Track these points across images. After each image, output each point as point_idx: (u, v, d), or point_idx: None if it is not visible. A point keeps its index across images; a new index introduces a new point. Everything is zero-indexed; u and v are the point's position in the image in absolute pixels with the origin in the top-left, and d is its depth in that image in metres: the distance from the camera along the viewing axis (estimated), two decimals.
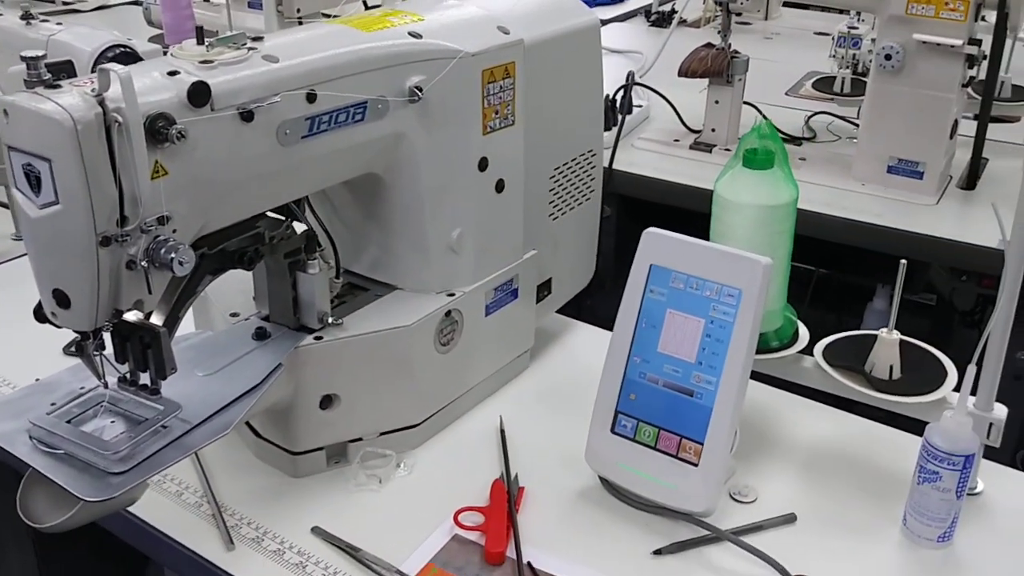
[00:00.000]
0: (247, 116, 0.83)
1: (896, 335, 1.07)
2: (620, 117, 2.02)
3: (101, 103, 0.73)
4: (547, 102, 1.14)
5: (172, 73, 0.80)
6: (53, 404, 0.87)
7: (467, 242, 1.09)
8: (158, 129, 0.76)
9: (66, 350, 1.23)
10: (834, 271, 2.20)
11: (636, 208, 2.07)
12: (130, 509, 1.00)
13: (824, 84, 2.23)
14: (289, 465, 1.05)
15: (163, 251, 0.78)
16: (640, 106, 2.17)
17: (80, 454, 0.82)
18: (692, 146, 2.01)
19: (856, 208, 1.78)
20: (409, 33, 0.99)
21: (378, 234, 1.08)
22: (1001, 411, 1.01)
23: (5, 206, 1.61)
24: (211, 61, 0.83)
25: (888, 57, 1.74)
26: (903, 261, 1.05)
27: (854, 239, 1.78)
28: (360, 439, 1.06)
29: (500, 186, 1.10)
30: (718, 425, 0.96)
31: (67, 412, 0.87)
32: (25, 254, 1.50)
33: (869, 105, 1.83)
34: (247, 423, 1.07)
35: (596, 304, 1.49)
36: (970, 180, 1.88)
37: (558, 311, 1.36)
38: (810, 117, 2.16)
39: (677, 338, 0.98)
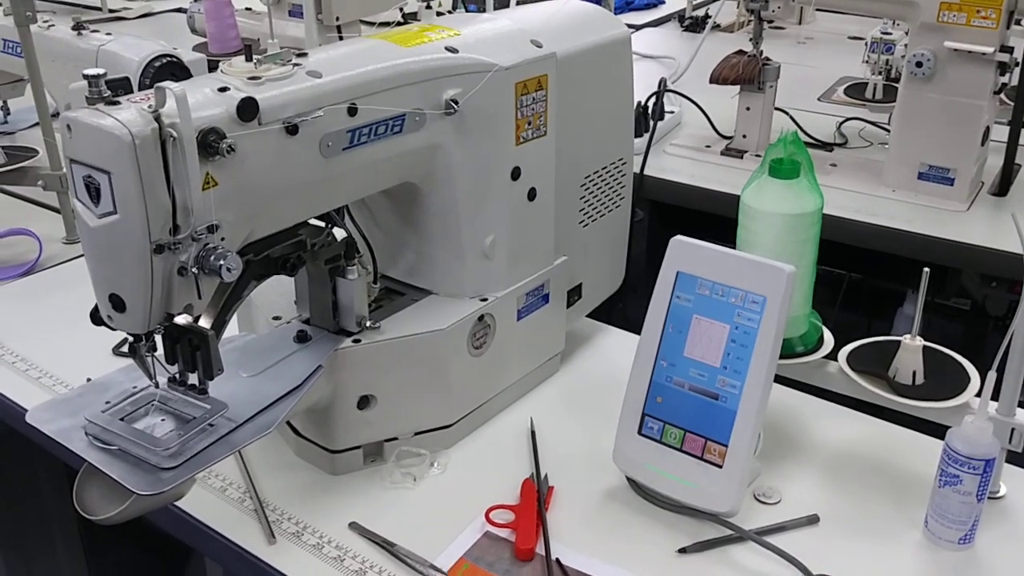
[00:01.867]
0: (292, 130, 0.88)
1: (919, 341, 1.09)
2: (652, 123, 2.05)
3: (157, 119, 0.78)
4: (578, 113, 1.18)
5: (222, 89, 0.85)
6: (107, 403, 0.92)
7: (500, 248, 1.13)
8: (210, 143, 0.80)
9: (115, 350, 1.28)
10: (865, 276, 2.21)
11: (668, 213, 2.10)
12: (178, 504, 1.04)
13: (856, 90, 2.24)
14: (328, 463, 1.09)
15: (212, 258, 0.83)
16: (672, 112, 2.20)
17: (133, 450, 0.87)
18: (723, 152, 2.03)
19: (886, 214, 1.79)
20: (446, 48, 1.03)
21: (415, 240, 1.12)
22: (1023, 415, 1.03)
23: (56, 211, 1.68)
24: (259, 77, 0.87)
25: (919, 64, 1.75)
26: (926, 269, 1.07)
27: (884, 245, 1.79)
28: (396, 438, 1.10)
29: (532, 194, 1.14)
30: (742, 428, 0.99)
31: (120, 410, 0.92)
32: (76, 257, 1.57)
33: (900, 112, 1.84)
34: (288, 422, 1.11)
35: (627, 308, 1.53)
36: (1002, 186, 1.88)
37: (589, 315, 1.39)
38: (842, 123, 2.17)
39: (703, 343, 1.01)
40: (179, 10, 3.18)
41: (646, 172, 1.98)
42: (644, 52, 2.77)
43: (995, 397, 1.03)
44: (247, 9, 2.53)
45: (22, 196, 1.78)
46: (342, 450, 1.08)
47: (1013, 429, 1.03)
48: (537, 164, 1.13)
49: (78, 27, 1.84)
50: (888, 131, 2.04)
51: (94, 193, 0.80)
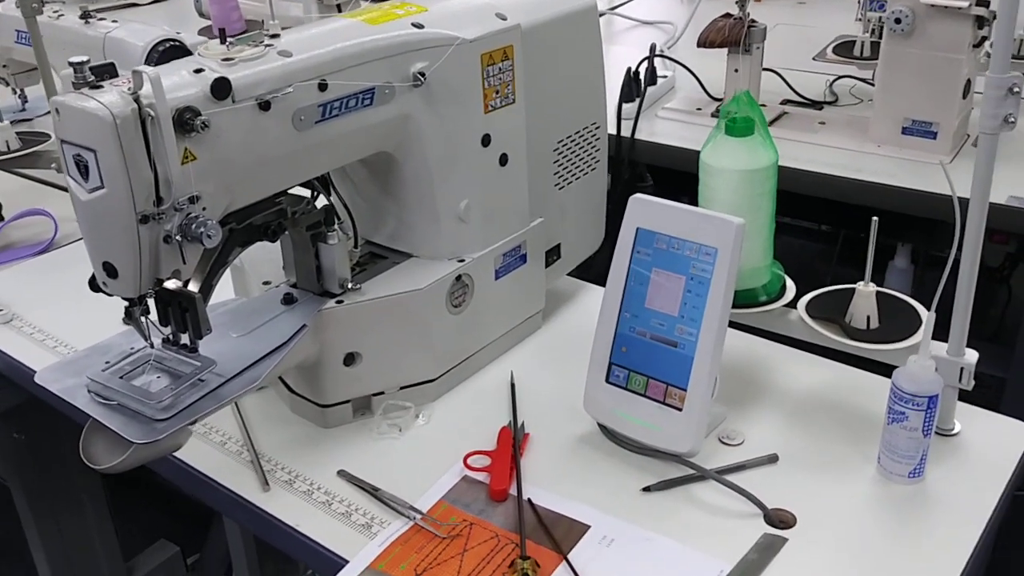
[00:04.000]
0: (264, 106, 0.95)
1: (872, 287, 1.15)
2: (643, 88, 2.10)
3: (136, 100, 0.85)
4: (547, 80, 1.24)
5: (198, 71, 0.92)
6: (107, 362, 1.00)
7: (474, 212, 1.20)
8: (185, 120, 0.88)
9: (125, 321, 1.37)
10: (859, 231, 2.25)
11: (667, 176, 2.15)
12: (181, 457, 1.13)
13: (845, 48, 2.27)
14: (319, 417, 1.17)
15: (194, 227, 0.91)
16: (665, 77, 2.24)
17: (130, 404, 0.95)
18: (713, 114, 2.07)
19: (872, 170, 1.83)
20: (412, 24, 1.09)
21: (394, 207, 1.19)
22: (972, 356, 1.09)
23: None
24: (232, 58, 0.94)
25: (898, 21, 1.78)
26: (875, 218, 1.12)
27: (870, 200, 1.83)
28: (382, 392, 1.18)
29: (504, 160, 1.20)
30: (699, 372, 1.05)
31: (119, 369, 1.00)
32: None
33: (883, 68, 1.88)
34: (282, 380, 1.19)
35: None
36: None
37: (573, 274, 1.46)
38: (833, 81, 2.20)
39: (662, 294, 1.08)
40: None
41: (638, 136, 2.03)
42: (642, 18, 2.81)
43: (945, 338, 1.09)
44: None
45: (38, 179, 1.86)
46: (332, 404, 1.16)
47: (962, 368, 1.09)
48: (507, 131, 1.20)
49: (85, 16, 1.92)
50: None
51: (83, 170, 0.88)
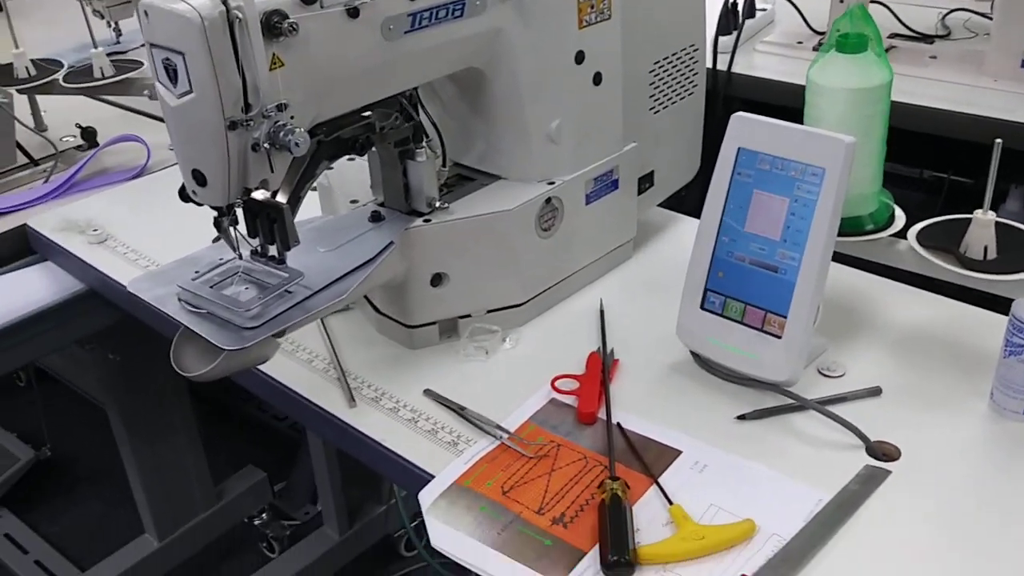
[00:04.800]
0: (353, 13, 0.92)
1: (991, 215, 1.08)
2: (741, 21, 2.02)
3: (224, 2, 0.84)
4: None
5: None
6: (197, 272, 1.00)
7: (566, 133, 1.16)
8: (273, 24, 0.86)
9: (215, 240, 1.37)
10: (968, 178, 2.14)
11: (765, 111, 2.07)
12: (269, 372, 1.14)
13: None
14: (405, 338, 1.16)
15: (282, 134, 0.89)
16: (764, 10, 2.15)
17: (219, 313, 0.95)
18: (815, 48, 1.98)
19: (986, 104, 1.73)
20: None
21: (483, 127, 1.16)
22: None
23: (161, 120, 1.77)
24: None
25: None
26: (998, 140, 1.04)
27: (983, 137, 1.73)
28: (469, 316, 1.16)
29: (598, 79, 1.16)
30: (801, 298, 1.00)
31: (209, 279, 1.00)
32: (175, 163, 1.67)
33: None
34: (368, 301, 1.18)
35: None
36: None
37: (665, 205, 1.41)
38: (946, 15, 2.09)
39: (763, 217, 1.03)
40: None
41: (735, 70, 1.96)
42: None
43: None
44: None
45: (131, 108, 1.89)
46: (418, 325, 1.15)
47: None
48: (602, 48, 1.15)
49: None
50: (992, 20, 1.95)
51: (172, 74, 0.87)
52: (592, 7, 1.11)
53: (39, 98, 1.84)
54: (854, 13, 1.06)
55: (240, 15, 0.84)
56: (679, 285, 1.12)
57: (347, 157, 1.07)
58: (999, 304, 1.10)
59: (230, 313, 0.94)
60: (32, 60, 1.78)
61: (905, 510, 0.91)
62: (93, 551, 2.05)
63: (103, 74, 1.73)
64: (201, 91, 0.86)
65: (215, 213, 0.97)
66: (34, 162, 1.71)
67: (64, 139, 1.78)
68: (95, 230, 1.46)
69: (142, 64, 1.78)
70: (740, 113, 1.04)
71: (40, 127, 1.84)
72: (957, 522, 0.89)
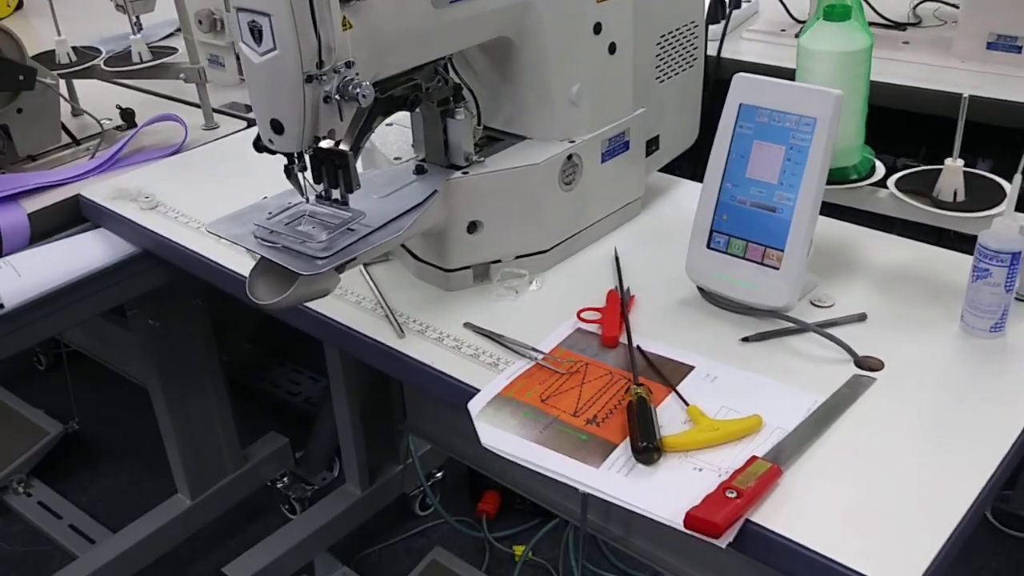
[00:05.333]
0: None
1: (960, 162, 1.23)
2: (728, 10, 2.18)
3: None
4: None
5: None
6: (270, 214, 1.14)
7: (585, 97, 1.30)
8: None
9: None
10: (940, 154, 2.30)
11: None
12: (323, 312, 1.27)
13: None
14: (443, 281, 1.30)
15: (351, 87, 1.03)
16: (749, 1, 2.31)
17: (293, 246, 1.09)
18: (797, 35, 2.13)
19: (954, 83, 1.89)
20: None
21: (511, 92, 1.30)
22: None
23: (194, 104, 1.90)
24: None
25: None
26: (965, 95, 1.20)
27: (954, 112, 1.89)
28: (499, 261, 1.30)
29: (612, 48, 1.31)
30: (796, 233, 1.15)
31: (281, 220, 1.13)
32: (215, 140, 1.81)
33: None
34: (407, 250, 1.32)
35: (702, 166, 1.68)
36: None
37: (668, 171, 1.56)
38: (917, 4, 2.25)
39: (762, 164, 1.17)
40: None
41: (723, 55, 2.11)
42: None
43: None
44: None
45: (160, 93, 2.02)
46: (455, 269, 1.28)
47: None
48: (616, 21, 1.30)
49: None
50: (959, 8, 2.12)
51: (257, 35, 1.00)
52: None
53: (76, 84, 1.97)
54: None
55: None
56: (684, 236, 1.26)
57: (390, 119, 1.20)
58: (967, 244, 1.25)
59: (303, 246, 1.08)
60: (72, 47, 1.90)
61: (887, 410, 1.05)
62: (123, 517, 2.17)
63: (141, 59, 1.86)
64: (283, 48, 1.00)
65: (284, 161, 1.11)
66: (76, 142, 1.84)
67: (103, 120, 1.90)
68: (147, 197, 1.59)
69: (176, 50, 1.91)
70: (741, 73, 1.19)
71: (77, 111, 1.96)
72: (930, 420, 1.04)
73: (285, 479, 2.29)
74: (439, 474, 2.29)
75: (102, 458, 2.54)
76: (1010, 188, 1.12)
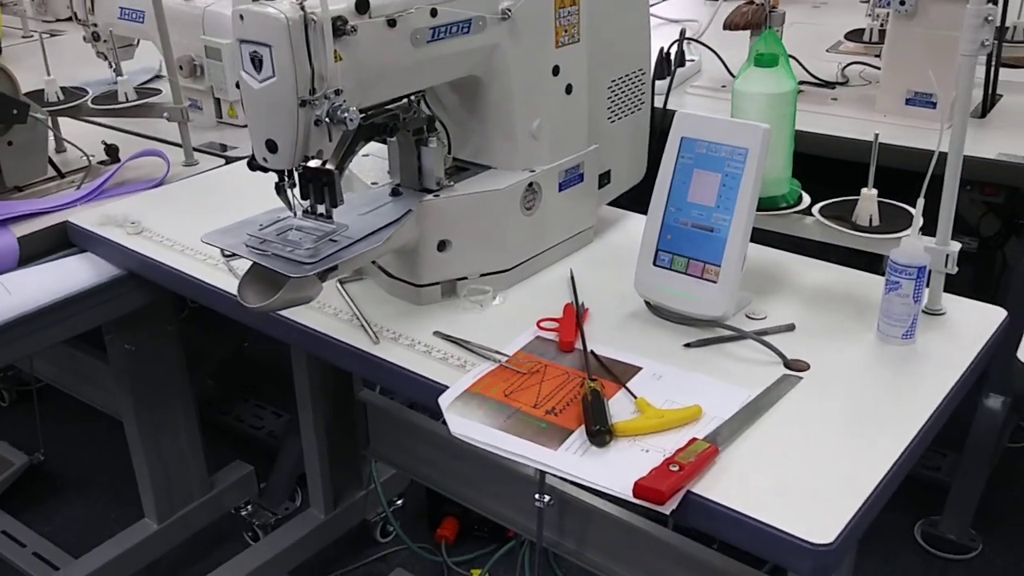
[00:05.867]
0: (392, 23, 1.21)
1: (874, 192, 1.40)
2: (673, 68, 2.36)
3: (302, 7, 1.11)
4: (604, 26, 1.50)
5: None
6: (261, 226, 1.26)
7: (544, 131, 1.45)
8: (338, 26, 1.14)
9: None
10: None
11: None
12: (303, 322, 1.38)
13: (855, 35, 2.53)
14: (414, 295, 1.42)
15: (339, 112, 1.16)
16: (693, 60, 2.50)
17: (283, 253, 1.21)
18: None
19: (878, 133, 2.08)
20: None
21: (478, 126, 1.45)
22: (955, 245, 1.33)
23: (175, 143, 2.02)
24: None
25: (902, 3, 2.04)
26: (876, 132, 1.37)
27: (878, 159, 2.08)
28: (466, 278, 1.43)
29: (569, 89, 1.46)
30: (732, 249, 1.29)
31: (270, 231, 1.25)
32: (195, 175, 1.92)
33: (889, 46, 2.14)
34: (381, 268, 1.44)
35: (649, 202, 1.84)
36: (983, 110, 2.17)
37: (618, 205, 1.71)
38: (845, 66, 2.46)
39: (701, 190, 1.32)
40: None
41: (669, 107, 2.29)
42: (671, 17, 3.08)
43: (933, 233, 1.33)
44: None
45: (144, 134, 2.13)
46: (425, 285, 1.41)
47: (948, 255, 1.33)
48: (572, 64, 1.45)
49: None
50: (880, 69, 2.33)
51: (258, 63, 1.14)
52: (566, 31, 1.42)
53: (61, 123, 2.08)
54: (768, 37, 1.38)
55: (315, 18, 1.11)
56: (632, 260, 1.39)
57: (366, 151, 1.33)
58: (881, 267, 1.41)
59: (291, 253, 1.20)
60: (60, 87, 2.02)
61: (812, 403, 1.19)
62: (87, 545, 2.21)
63: (127, 98, 1.97)
64: (281, 76, 1.13)
65: (270, 186, 1.23)
66: (61, 175, 1.94)
67: (88, 156, 2.00)
68: (133, 223, 1.69)
69: (160, 91, 2.03)
70: (682, 111, 1.35)
71: (60, 148, 2.06)
72: (849, 411, 1.18)
73: (249, 507, 2.35)
74: (399, 501, 2.37)
75: (67, 488, 2.58)
76: (915, 212, 1.28)
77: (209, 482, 2.24)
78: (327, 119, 1.16)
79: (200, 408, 2.26)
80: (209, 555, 2.31)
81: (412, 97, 1.34)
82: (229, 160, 2.00)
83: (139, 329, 1.94)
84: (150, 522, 2.15)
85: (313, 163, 1.21)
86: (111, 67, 2.42)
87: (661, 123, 2.31)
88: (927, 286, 1.31)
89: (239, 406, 2.80)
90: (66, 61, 2.45)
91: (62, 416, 2.67)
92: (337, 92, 1.17)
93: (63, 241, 1.74)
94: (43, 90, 2.00)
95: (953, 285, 1.39)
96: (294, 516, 2.29)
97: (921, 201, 1.27)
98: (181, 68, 2.15)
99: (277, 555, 2.15)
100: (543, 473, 1.71)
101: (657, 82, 2.31)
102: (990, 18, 1.24)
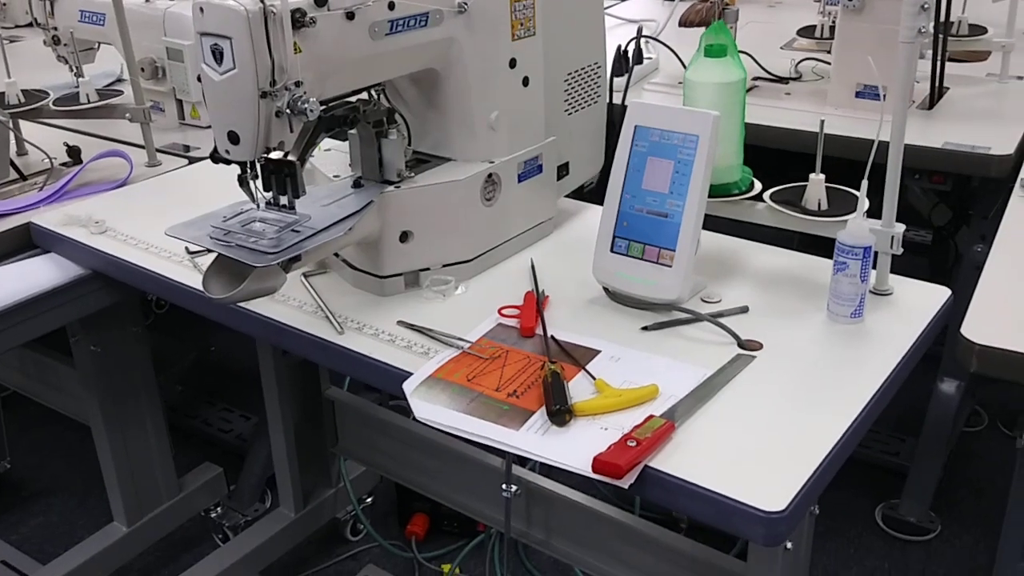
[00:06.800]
0: (350, 16, 1.23)
1: (821, 177, 1.44)
2: (631, 65, 2.41)
3: (262, 1, 1.14)
4: (560, 20, 1.53)
5: None
6: (225, 218, 1.28)
7: (502, 123, 1.48)
8: (297, 18, 1.16)
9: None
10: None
11: None
12: (268, 315, 1.40)
13: (807, 31, 2.59)
14: (377, 287, 1.44)
15: (300, 103, 1.18)
16: (650, 58, 2.55)
17: (247, 244, 1.22)
18: None
19: (829, 126, 2.12)
20: None
21: (437, 118, 1.48)
22: (899, 227, 1.37)
23: (138, 145, 2.03)
24: None
25: None
26: (822, 119, 1.41)
27: (828, 149, 2.14)
28: (428, 268, 1.45)
29: (526, 81, 1.49)
30: (685, 234, 1.33)
31: (234, 223, 1.27)
32: (158, 175, 1.92)
33: (838, 41, 2.20)
34: (344, 261, 1.47)
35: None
36: (930, 102, 2.23)
37: (576, 197, 1.74)
38: (798, 63, 2.52)
39: (655, 177, 1.36)
40: None
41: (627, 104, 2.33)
42: (628, 17, 3.13)
43: (879, 216, 1.37)
44: None
45: (106, 136, 2.14)
46: (388, 276, 1.43)
47: (892, 236, 1.38)
48: (529, 57, 1.49)
49: None
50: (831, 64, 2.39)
51: (219, 56, 1.16)
52: (522, 24, 1.45)
53: (22, 126, 2.08)
54: (717, 27, 1.43)
55: (275, 10, 1.14)
56: (591, 249, 1.43)
57: (328, 146, 1.36)
58: (830, 249, 1.45)
59: (255, 243, 1.22)
60: (21, 89, 2.02)
61: (765, 380, 1.23)
62: (55, 552, 2.20)
63: (89, 100, 1.98)
64: (242, 68, 1.15)
65: (238, 171, 1.25)
66: (23, 177, 1.94)
67: (51, 158, 2.01)
68: (97, 222, 1.70)
69: (122, 92, 2.04)
70: (636, 100, 1.39)
71: (21, 150, 2.06)
72: (800, 387, 1.22)
73: (219, 508, 2.36)
74: (369, 499, 2.39)
75: (35, 496, 2.57)
76: (860, 194, 1.32)
77: (178, 484, 2.24)
78: (288, 110, 1.19)
79: (168, 413, 2.26)
80: (179, 558, 2.31)
81: (372, 90, 1.37)
82: (192, 160, 2.02)
83: (105, 330, 1.94)
84: (119, 525, 2.15)
85: (275, 155, 1.23)
86: (72, 70, 2.41)
87: (620, 119, 2.36)
88: (874, 267, 1.35)
89: (207, 410, 2.80)
90: (27, 66, 2.44)
91: (28, 423, 2.66)
92: (297, 84, 1.19)
93: (26, 243, 1.75)
94: (3, 92, 2.00)
95: (907, 275, 1.44)
96: (264, 516, 2.29)
97: (865, 183, 1.32)
98: (143, 70, 2.16)
99: (247, 555, 2.16)
100: (509, 463, 1.75)
101: (616, 79, 2.35)
102: (926, 6, 1.28)
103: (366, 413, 2.08)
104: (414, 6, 1.31)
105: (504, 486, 1.71)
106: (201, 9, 1.15)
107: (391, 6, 1.28)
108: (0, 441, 2.52)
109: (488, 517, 1.92)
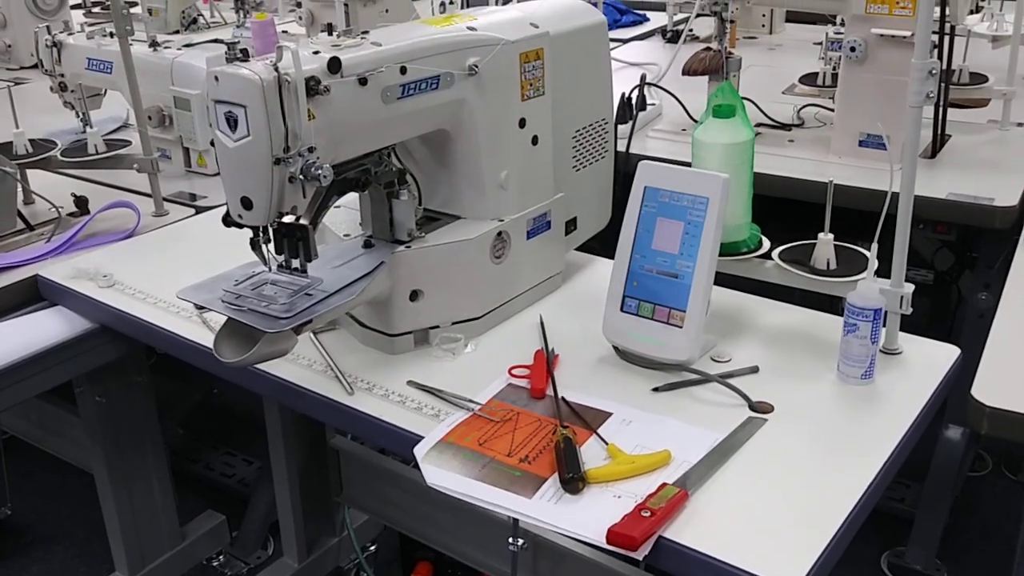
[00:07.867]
0: (363, 81, 1.24)
1: (830, 236, 1.45)
2: (635, 112, 2.42)
3: (276, 69, 1.15)
4: (568, 79, 1.54)
5: (316, 52, 1.21)
6: (236, 281, 1.28)
7: (512, 182, 1.49)
8: (311, 86, 1.17)
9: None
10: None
11: None
12: (278, 374, 1.40)
13: (809, 79, 2.61)
14: (387, 345, 1.44)
15: (313, 169, 1.19)
16: (654, 104, 2.57)
17: (258, 308, 1.22)
18: None
19: (832, 175, 2.12)
20: (467, 27, 1.40)
21: (447, 177, 1.48)
22: (909, 287, 1.38)
23: (145, 194, 2.03)
24: (339, 44, 1.24)
25: (853, 49, 2.12)
26: (831, 179, 1.42)
27: (834, 201, 2.15)
28: (438, 326, 1.45)
29: (535, 140, 1.50)
30: (696, 295, 1.33)
31: (245, 286, 1.27)
32: (165, 226, 1.93)
33: (841, 91, 2.21)
34: (354, 318, 1.47)
35: (614, 245, 1.88)
36: (932, 151, 2.24)
37: (585, 250, 1.75)
38: (800, 109, 2.54)
39: (665, 237, 1.36)
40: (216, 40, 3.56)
41: (632, 151, 2.35)
42: (631, 60, 3.15)
43: (889, 273, 1.38)
44: (283, 32, 2.91)
45: (113, 185, 2.14)
46: (398, 334, 1.43)
47: (901, 296, 1.38)
48: (538, 117, 1.50)
49: (153, 44, 2.22)
50: (834, 111, 2.40)
51: (233, 123, 1.16)
52: (531, 85, 1.46)
53: (30, 173, 2.08)
54: (725, 88, 1.44)
55: (289, 79, 1.14)
56: (600, 304, 1.43)
57: (339, 203, 1.36)
58: (842, 312, 1.46)
59: (267, 307, 1.22)
60: (29, 140, 2.02)
61: (777, 444, 1.23)
62: None
63: (96, 150, 1.99)
64: (256, 135, 1.16)
65: (251, 235, 1.25)
66: (31, 227, 1.94)
67: (58, 208, 2.01)
68: (104, 276, 1.70)
69: (130, 143, 2.05)
70: (645, 161, 1.40)
71: (28, 200, 2.07)
72: (813, 451, 1.22)
73: (221, 556, 2.34)
74: (372, 547, 2.37)
75: (35, 543, 2.54)
76: (870, 255, 1.33)
77: (180, 533, 2.22)
78: (301, 176, 1.19)
79: (170, 457, 2.25)
80: None
81: (383, 151, 1.37)
82: (199, 210, 2.02)
83: (110, 381, 1.94)
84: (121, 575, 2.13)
85: (287, 219, 1.24)
86: (79, 117, 2.43)
87: (624, 167, 2.36)
88: (884, 327, 1.35)
89: (209, 454, 2.78)
90: (32, 109, 2.45)
91: (29, 469, 2.64)
92: (311, 149, 1.20)
93: (34, 295, 1.74)
94: (11, 143, 2.00)
95: (910, 317, 1.44)
96: (267, 565, 2.28)
97: (875, 246, 1.32)
98: (150, 118, 2.17)
99: None
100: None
101: (620, 127, 2.37)
102: (933, 71, 1.30)
103: (371, 463, 2.07)
104: (425, 70, 1.32)
105: (511, 539, 1.70)
106: (216, 78, 1.16)
107: (403, 71, 1.29)
108: (1, 486, 2.50)
109: (494, 570, 1.91)
